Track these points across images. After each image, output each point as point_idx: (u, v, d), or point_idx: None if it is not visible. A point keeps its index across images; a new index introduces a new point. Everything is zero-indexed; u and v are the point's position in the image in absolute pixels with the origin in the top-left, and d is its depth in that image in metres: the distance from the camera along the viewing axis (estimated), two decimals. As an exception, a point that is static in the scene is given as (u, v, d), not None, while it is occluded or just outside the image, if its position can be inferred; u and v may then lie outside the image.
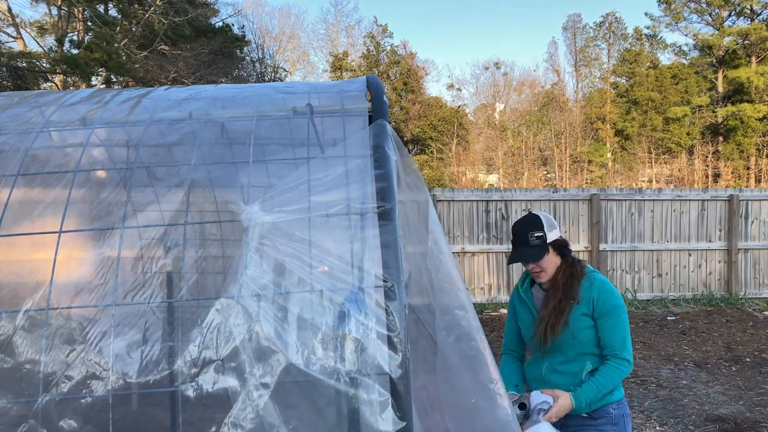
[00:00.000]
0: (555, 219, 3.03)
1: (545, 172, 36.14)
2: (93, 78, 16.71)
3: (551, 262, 2.40)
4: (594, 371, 2.36)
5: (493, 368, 1.82)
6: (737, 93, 31.71)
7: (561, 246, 2.43)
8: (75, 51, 14.80)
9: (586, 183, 34.18)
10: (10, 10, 16.51)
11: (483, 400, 1.82)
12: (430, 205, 1.87)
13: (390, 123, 1.82)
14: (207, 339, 1.62)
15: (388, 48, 34.76)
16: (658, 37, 36.68)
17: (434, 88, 71.13)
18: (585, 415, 2.37)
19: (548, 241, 2.37)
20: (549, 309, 2.37)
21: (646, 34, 36.69)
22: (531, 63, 70.58)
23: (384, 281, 1.55)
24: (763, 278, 10.03)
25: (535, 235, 2.36)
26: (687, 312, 9.19)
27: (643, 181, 33.55)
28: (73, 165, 1.89)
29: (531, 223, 2.40)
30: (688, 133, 32.44)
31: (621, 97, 35.83)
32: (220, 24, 22.42)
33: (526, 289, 2.55)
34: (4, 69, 15.85)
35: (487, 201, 9.64)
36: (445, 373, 1.84)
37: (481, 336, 1.82)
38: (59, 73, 15.79)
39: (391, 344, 1.53)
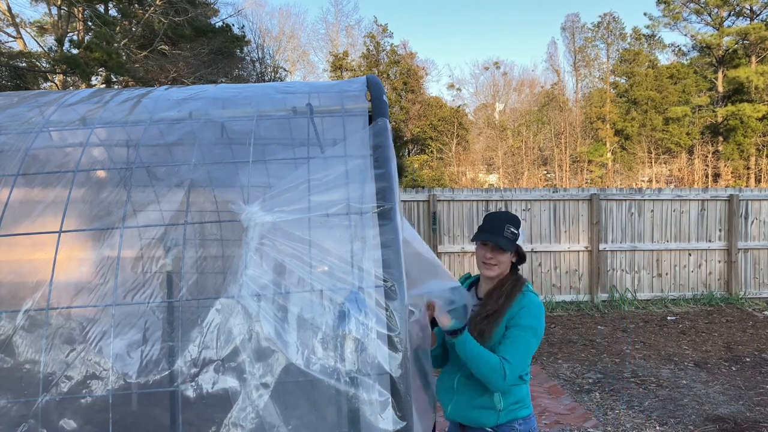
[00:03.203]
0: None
1: (545, 172, 36.15)
2: (93, 78, 16.70)
3: (507, 260, 2.42)
4: (505, 394, 2.33)
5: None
6: (737, 93, 31.68)
7: (520, 255, 2.47)
8: (75, 51, 14.78)
9: (586, 183, 34.18)
10: (10, 9, 16.50)
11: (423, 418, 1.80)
12: (395, 208, 1.81)
13: (390, 123, 1.82)
14: (207, 339, 1.62)
15: (388, 48, 34.74)
16: (656, 37, 36.69)
17: (434, 88, 71.17)
18: (489, 429, 2.34)
19: (518, 241, 2.40)
20: (485, 312, 2.35)
21: (644, 34, 36.69)
22: (530, 63, 70.54)
23: (384, 281, 1.55)
24: (763, 278, 10.03)
25: (512, 229, 2.38)
26: (687, 312, 9.19)
27: (643, 181, 33.54)
28: (73, 165, 1.89)
29: (511, 218, 2.43)
30: (687, 133, 32.42)
31: (621, 97, 35.82)
32: (220, 24, 22.40)
33: None
34: (4, 69, 15.84)
35: (487, 201, 9.64)
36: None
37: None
38: (59, 73, 15.78)
39: (391, 344, 1.53)
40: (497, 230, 2.37)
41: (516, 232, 2.39)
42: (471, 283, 2.58)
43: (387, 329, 1.53)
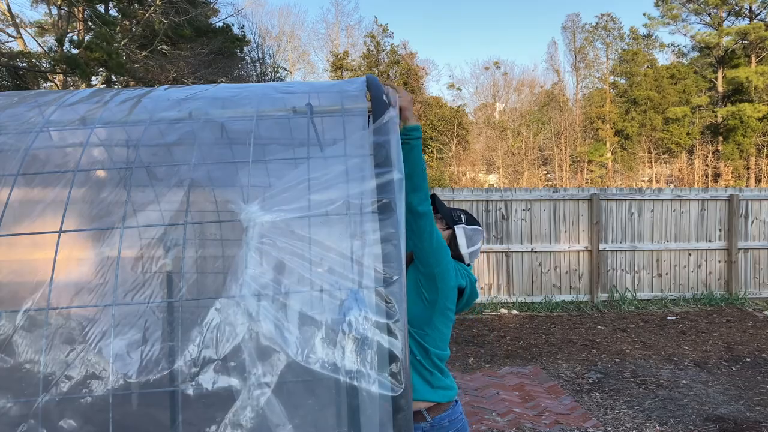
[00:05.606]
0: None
1: (545, 172, 36.16)
2: (93, 78, 16.71)
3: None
4: (416, 359, 2.13)
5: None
6: (737, 93, 31.69)
7: (452, 247, 2.30)
8: (75, 51, 14.79)
9: (586, 183, 34.18)
10: (10, 10, 16.50)
11: None
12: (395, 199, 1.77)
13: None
14: (207, 338, 1.62)
15: (388, 48, 34.77)
16: (653, 37, 36.69)
17: (434, 87, 71.28)
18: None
19: (452, 226, 2.32)
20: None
21: (641, 34, 36.68)
22: (530, 63, 70.58)
23: (384, 276, 1.55)
24: (763, 278, 10.03)
25: (461, 215, 2.35)
26: (687, 312, 9.18)
27: (643, 181, 33.55)
28: (73, 165, 1.89)
29: (470, 215, 2.39)
30: (688, 133, 32.43)
31: (620, 97, 35.83)
32: (220, 24, 22.42)
33: None
34: (4, 69, 15.83)
35: (487, 201, 9.64)
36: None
37: None
38: (59, 73, 15.78)
39: (392, 341, 1.53)
40: (449, 212, 2.35)
41: (461, 218, 2.33)
42: None
43: (387, 326, 1.53)
